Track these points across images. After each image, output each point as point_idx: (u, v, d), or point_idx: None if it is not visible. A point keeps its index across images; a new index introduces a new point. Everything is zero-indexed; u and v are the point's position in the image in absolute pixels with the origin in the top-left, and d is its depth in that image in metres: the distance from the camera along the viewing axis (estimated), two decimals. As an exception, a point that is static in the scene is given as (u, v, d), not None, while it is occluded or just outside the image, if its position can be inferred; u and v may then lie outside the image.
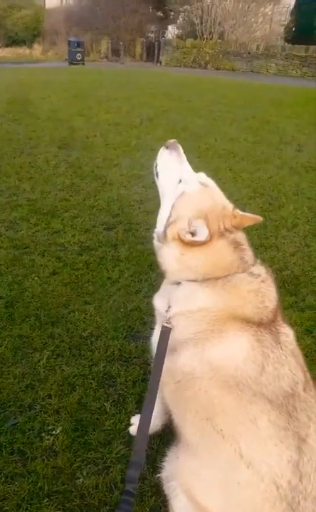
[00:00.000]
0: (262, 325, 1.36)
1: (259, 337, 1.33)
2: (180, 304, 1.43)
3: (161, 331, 1.43)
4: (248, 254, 1.45)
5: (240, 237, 1.45)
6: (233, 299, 1.38)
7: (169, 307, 1.44)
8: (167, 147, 1.59)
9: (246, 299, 1.38)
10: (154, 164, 1.61)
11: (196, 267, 1.41)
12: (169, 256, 1.46)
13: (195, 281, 1.42)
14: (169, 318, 1.43)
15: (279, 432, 1.24)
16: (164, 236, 1.47)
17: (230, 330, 1.34)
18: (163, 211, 1.52)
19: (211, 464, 1.32)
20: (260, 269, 1.45)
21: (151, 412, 1.37)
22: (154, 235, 1.55)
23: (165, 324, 1.42)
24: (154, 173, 1.61)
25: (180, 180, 1.50)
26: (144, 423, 1.35)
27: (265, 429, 1.24)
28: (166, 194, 1.53)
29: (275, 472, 1.21)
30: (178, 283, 1.46)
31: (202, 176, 1.54)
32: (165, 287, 1.56)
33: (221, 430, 1.28)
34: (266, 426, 1.24)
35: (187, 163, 1.57)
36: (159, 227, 1.51)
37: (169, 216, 1.47)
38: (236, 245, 1.42)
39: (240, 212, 1.46)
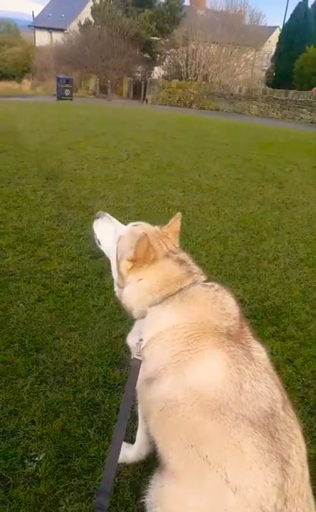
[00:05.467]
0: (231, 337, 1.41)
1: (232, 353, 1.37)
2: (149, 330, 1.50)
3: (132, 364, 1.50)
4: (195, 268, 1.61)
5: (184, 256, 1.64)
6: (195, 309, 1.47)
7: (140, 340, 1.52)
8: (98, 217, 1.82)
9: (206, 306, 1.48)
10: (94, 234, 1.82)
11: (152, 287, 1.53)
12: (129, 291, 1.60)
13: (156, 304, 1.52)
14: (141, 349, 1.50)
15: (263, 455, 1.24)
16: (120, 278, 1.62)
17: (205, 348, 1.38)
18: (112, 263, 1.69)
19: (196, 491, 1.31)
20: (210, 282, 1.58)
21: (122, 440, 1.41)
22: (115, 288, 1.71)
23: (136, 357, 1.50)
24: (96, 240, 1.83)
25: (116, 232, 1.73)
26: (114, 451, 1.38)
27: (250, 452, 1.25)
28: (110, 249, 1.71)
29: (260, 496, 1.21)
30: (145, 315, 1.55)
31: (131, 223, 1.76)
32: (134, 326, 1.66)
33: (206, 456, 1.28)
34: (250, 449, 1.25)
35: (117, 221, 1.79)
36: (115, 276, 1.68)
37: (117, 258, 1.64)
38: (181, 262, 1.59)
39: (165, 227, 1.71)
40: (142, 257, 1.53)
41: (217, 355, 1.36)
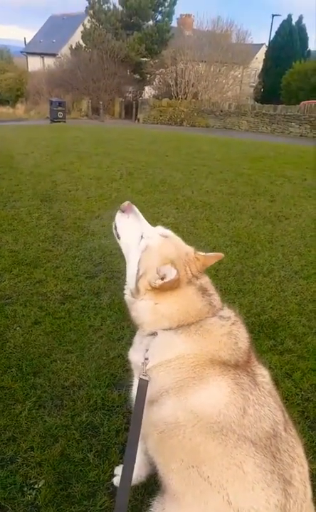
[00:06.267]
0: (238, 367, 1.41)
1: (238, 380, 1.37)
2: (158, 354, 1.46)
3: (139, 384, 1.45)
4: (216, 299, 1.53)
5: (206, 282, 1.54)
6: (208, 344, 1.43)
7: (146, 359, 1.47)
8: (123, 211, 1.67)
9: (221, 342, 1.44)
10: (113, 226, 1.69)
11: (171, 315, 1.47)
12: (143, 308, 1.51)
13: (170, 329, 1.47)
14: (147, 370, 1.46)
15: (266, 476, 1.24)
16: (136, 290, 1.52)
17: (210, 375, 1.37)
18: (131, 267, 1.57)
19: None
20: (228, 312, 1.53)
21: (133, 465, 1.35)
22: (126, 291, 1.60)
23: (142, 377, 1.45)
24: (115, 234, 1.69)
25: (142, 236, 1.58)
26: (126, 478, 1.32)
27: (252, 473, 1.24)
28: (131, 251, 1.59)
29: None
30: (154, 334, 1.50)
31: (161, 229, 1.62)
32: (139, 340, 1.59)
33: (208, 477, 1.27)
34: (252, 470, 1.24)
35: (145, 220, 1.66)
36: (130, 283, 1.57)
37: (138, 270, 1.52)
38: (204, 291, 1.51)
39: (202, 254, 1.58)
40: (166, 290, 1.46)
41: (222, 382, 1.36)
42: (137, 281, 1.51)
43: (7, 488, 1.82)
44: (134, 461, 1.37)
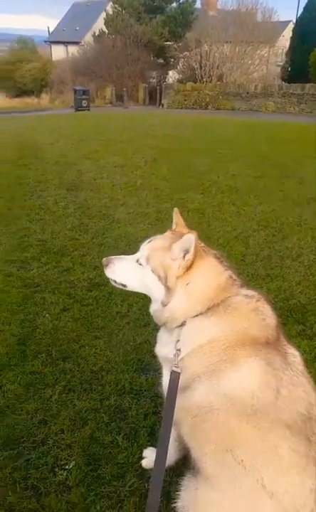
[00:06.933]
0: (269, 345, 1.39)
1: (269, 360, 1.35)
2: (190, 341, 1.45)
3: (171, 377, 1.43)
4: (233, 272, 1.53)
5: (216, 252, 1.57)
6: (238, 321, 1.43)
7: (178, 350, 1.45)
8: (106, 265, 1.67)
9: (249, 318, 1.43)
10: (113, 282, 1.69)
11: (203, 292, 1.46)
12: (178, 300, 1.48)
13: (199, 314, 1.46)
14: (179, 360, 1.44)
15: (301, 460, 1.23)
16: (168, 293, 1.49)
17: (241, 357, 1.36)
18: (152, 287, 1.54)
19: (232, 495, 1.30)
20: (251, 292, 1.52)
21: (165, 460, 1.35)
22: (153, 307, 1.58)
23: (174, 369, 1.44)
24: (120, 286, 1.68)
25: (137, 261, 1.58)
26: (158, 472, 1.31)
27: (287, 457, 1.23)
28: (142, 278, 1.57)
29: (298, 502, 1.20)
30: (182, 324, 1.49)
31: (145, 243, 1.63)
32: (166, 335, 1.59)
33: (242, 461, 1.27)
34: (288, 454, 1.23)
35: (125, 256, 1.67)
36: (157, 300, 1.54)
37: (158, 276, 1.50)
38: (220, 260, 1.53)
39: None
40: (195, 256, 1.44)
41: (254, 363, 1.35)
42: (166, 282, 1.49)
43: (39, 469, 1.88)
44: (166, 457, 1.36)
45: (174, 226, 1.70)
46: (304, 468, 1.22)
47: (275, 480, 1.23)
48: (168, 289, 1.49)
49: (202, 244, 1.55)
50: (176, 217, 1.70)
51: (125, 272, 1.64)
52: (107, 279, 1.70)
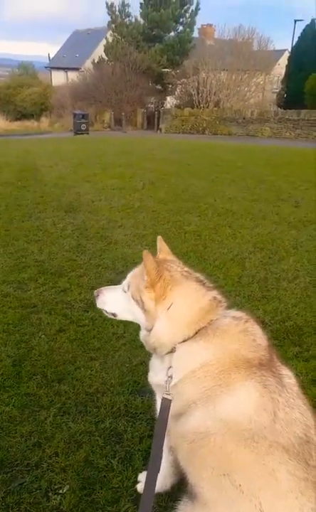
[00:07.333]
0: (263, 366, 1.39)
1: (264, 382, 1.35)
2: (181, 367, 1.45)
3: (162, 404, 1.44)
4: (217, 293, 1.55)
5: (199, 275, 1.59)
6: (228, 343, 1.43)
7: (169, 377, 1.45)
8: (97, 296, 1.73)
9: (239, 340, 1.44)
10: (104, 313, 1.75)
11: (186, 315, 1.47)
12: (161, 324, 1.49)
13: (188, 339, 1.46)
14: (171, 387, 1.44)
15: (299, 483, 1.22)
16: (149, 316, 1.51)
17: (237, 381, 1.35)
18: (137, 316, 1.58)
19: None
20: (239, 313, 1.53)
21: (155, 483, 1.34)
22: (142, 333, 1.63)
23: (165, 396, 1.44)
24: (111, 316, 1.74)
25: (124, 291, 1.63)
26: (148, 495, 1.30)
27: (285, 481, 1.22)
28: (130, 306, 1.59)
29: None
30: (172, 350, 1.49)
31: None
32: (158, 362, 1.59)
33: (240, 485, 1.26)
34: (286, 478, 1.22)
35: (114, 286, 1.72)
36: (143, 322, 1.56)
37: (137, 301, 1.54)
38: (203, 283, 1.54)
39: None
40: (155, 274, 1.47)
41: (249, 386, 1.34)
42: (143, 306, 1.52)
43: (33, 493, 1.85)
44: (156, 480, 1.35)
45: (158, 253, 1.72)
46: (302, 492, 1.21)
47: (273, 504, 1.22)
48: (147, 314, 1.51)
49: (185, 269, 1.59)
50: (160, 244, 1.73)
51: (113, 301, 1.68)
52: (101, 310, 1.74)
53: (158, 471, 1.37)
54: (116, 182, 8.12)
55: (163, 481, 1.80)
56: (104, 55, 29.37)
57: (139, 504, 1.31)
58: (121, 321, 3.15)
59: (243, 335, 1.45)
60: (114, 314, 1.71)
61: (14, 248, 4.69)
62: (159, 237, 1.75)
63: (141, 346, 2.83)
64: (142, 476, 1.90)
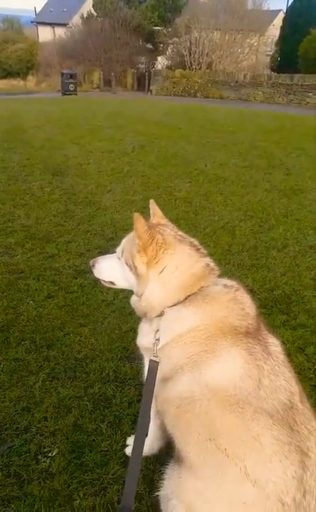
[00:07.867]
0: (249, 334, 1.39)
1: (250, 349, 1.36)
2: (169, 331, 1.45)
3: (149, 366, 1.45)
4: (211, 261, 1.53)
5: (194, 241, 1.56)
6: (216, 310, 1.43)
7: (157, 340, 1.46)
8: (93, 265, 1.70)
9: (228, 307, 1.43)
10: (102, 283, 1.73)
11: (178, 280, 1.46)
12: (153, 288, 1.48)
13: (177, 303, 1.46)
14: (158, 350, 1.45)
15: (283, 447, 1.24)
16: (141, 280, 1.50)
17: (223, 347, 1.36)
18: (131, 281, 1.56)
19: (215, 484, 1.31)
20: (230, 281, 1.52)
21: (142, 450, 1.36)
22: (132, 299, 1.61)
23: (153, 358, 1.45)
24: (108, 285, 1.72)
25: (118, 258, 1.61)
26: (135, 463, 1.32)
27: (269, 445, 1.24)
28: (125, 274, 1.58)
29: (280, 489, 1.21)
30: (161, 314, 1.49)
31: None
32: (146, 326, 1.59)
33: (225, 449, 1.28)
34: (270, 442, 1.24)
35: (108, 255, 1.71)
36: (136, 286, 1.54)
37: (130, 266, 1.52)
38: (197, 248, 1.52)
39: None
40: (146, 237, 1.45)
41: (235, 353, 1.35)
42: (136, 270, 1.50)
43: (22, 456, 1.87)
44: (143, 446, 1.38)
45: (151, 217, 1.69)
46: (286, 456, 1.24)
47: (257, 468, 1.24)
48: (140, 279, 1.50)
49: (179, 233, 1.56)
50: (153, 207, 1.69)
51: (110, 269, 1.66)
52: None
53: (146, 432, 1.41)
54: (105, 145, 7.91)
55: (150, 444, 1.83)
56: (92, 10, 27.98)
57: (127, 467, 1.33)
58: (110, 288, 3.15)
59: (232, 303, 1.45)
60: (112, 283, 1.68)
61: (0, 212, 4.58)
62: (152, 201, 1.71)
63: (131, 313, 2.84)
64: (131, 440, 1.93)
